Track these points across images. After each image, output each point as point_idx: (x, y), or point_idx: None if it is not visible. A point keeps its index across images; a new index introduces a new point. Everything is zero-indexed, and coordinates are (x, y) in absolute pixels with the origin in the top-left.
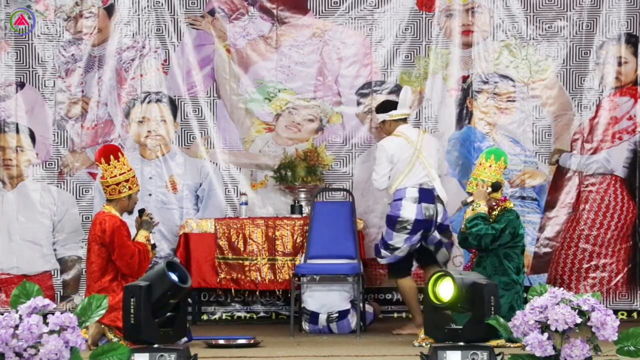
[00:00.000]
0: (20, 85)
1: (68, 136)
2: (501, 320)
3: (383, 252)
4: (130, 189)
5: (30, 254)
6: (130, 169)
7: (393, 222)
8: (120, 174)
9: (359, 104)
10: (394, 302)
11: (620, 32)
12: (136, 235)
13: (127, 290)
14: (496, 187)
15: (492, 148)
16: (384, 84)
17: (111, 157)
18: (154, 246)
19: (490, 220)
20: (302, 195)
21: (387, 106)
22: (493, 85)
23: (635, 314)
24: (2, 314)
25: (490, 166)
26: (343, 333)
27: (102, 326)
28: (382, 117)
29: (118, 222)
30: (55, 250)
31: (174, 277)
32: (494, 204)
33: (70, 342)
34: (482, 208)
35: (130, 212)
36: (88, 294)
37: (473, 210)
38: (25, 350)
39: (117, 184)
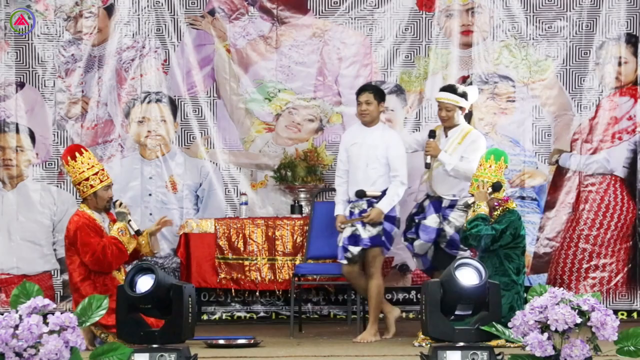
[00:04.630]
0: (20, 85)
1: (68, 136)
2: (498, 326)
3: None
4: (92, 186)
5: (30, 254)
6: (93, 166)
7: None
8: (79, 173)
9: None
10: (393, 302)
11: (620, 32)
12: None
13: None
14: (497, 187)
15: (492, 148)
16: (384, 84)
17: (69, 157)
18: (138, 232)
19: (491, 220)
20: (302, 195)
21: (466, 95)
22: (493, 85)
23: (635, 314)
24: (2, 314)
25: (490, 166)
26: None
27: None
28: (465, 103)
29: (82, 220)
30: (55, 250)
31: (136, 288)
32: (496, 204)
33: (70, 342)
34: (483, 209)
35: (106, 210)
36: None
37: (474, 211)
38: (25, 350)
39: (79, 184)
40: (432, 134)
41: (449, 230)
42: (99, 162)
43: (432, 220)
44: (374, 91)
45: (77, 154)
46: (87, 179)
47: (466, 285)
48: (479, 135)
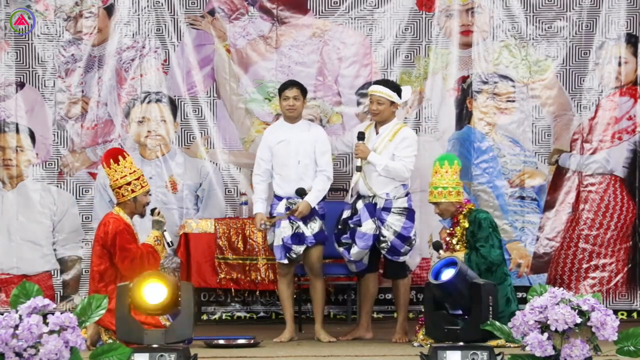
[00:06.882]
0: (20, 85)
1: (68, 136)
2: (497, 323)
3: (405, 248)
4: (133, 191)
5: (30, 254)
6: (134, 171)
7: (413, 214)
8: (121, 177)
9: (359, 104)
10: (392, 303)
11: (620, 32)
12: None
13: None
14: (437, 247)
15: (443, 154)
16: None
17: (111, 160)
18: (170, 244)
19: (463, 223)
20: None
21: (400, 92)
22: (493, 85)
23: (635, 314)
24: (2, 314)
25: (446, 172)
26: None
27: (99, 327)
28: (398, 99)
29: (122, 225)
30: (55, 250)
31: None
32: (457, 207)
33: (70, 342)
34: (460, 255)
35: (141, 215)
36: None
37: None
38: (25, 350)
39: (119, 188)
40: (361, 136)
41: (389, 236)
42: (135, 169)
43: (367, 226)
44: (301, 87)
45: (120, 158)
46: (128, 184)
47: (438, 282)
48: (410, 132)
